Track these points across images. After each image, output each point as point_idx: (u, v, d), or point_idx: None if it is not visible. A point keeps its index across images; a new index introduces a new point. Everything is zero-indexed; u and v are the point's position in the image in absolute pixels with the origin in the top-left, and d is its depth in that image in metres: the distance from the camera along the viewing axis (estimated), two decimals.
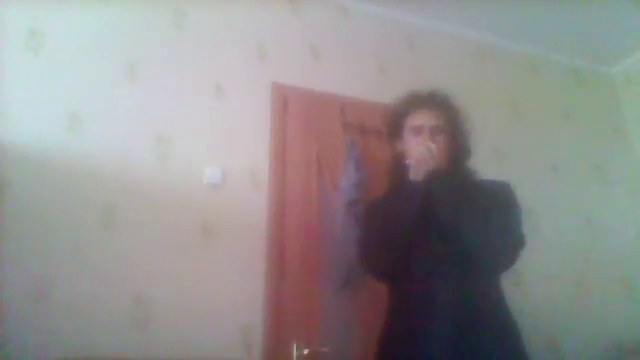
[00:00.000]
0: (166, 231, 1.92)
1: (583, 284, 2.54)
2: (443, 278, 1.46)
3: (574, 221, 2.69)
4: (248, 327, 1.89)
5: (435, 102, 1.66)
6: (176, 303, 1.84)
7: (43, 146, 1.87)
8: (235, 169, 2.10)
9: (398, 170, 1.67)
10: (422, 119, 1.62)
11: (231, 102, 2.20)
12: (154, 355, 1.74)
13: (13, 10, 1.99)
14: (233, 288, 1.92)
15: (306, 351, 1.74)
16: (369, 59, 2.56)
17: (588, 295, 2.53)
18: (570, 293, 2.50)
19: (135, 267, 1.84)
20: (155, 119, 2.06)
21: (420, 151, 1.54)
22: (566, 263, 2.55)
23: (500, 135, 2.70)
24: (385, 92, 2.46)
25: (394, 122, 1.72)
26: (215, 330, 1.85)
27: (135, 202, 1.91)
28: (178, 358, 1.77)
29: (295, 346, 1.75)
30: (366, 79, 2.52)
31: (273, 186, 2.10)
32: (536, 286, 2.38)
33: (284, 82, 2.29)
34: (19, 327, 1.64)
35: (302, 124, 2.22)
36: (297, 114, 2.23)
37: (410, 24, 2.75)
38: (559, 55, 3.08)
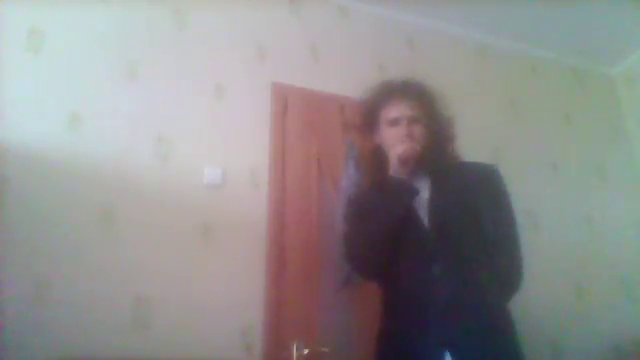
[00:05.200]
0: (166, 231, 1.92)
1: (582, 284, 2.54)
2: (435, 276, 1.42)
3: (574, 221, 2.69)
4: (248, 327, 1.89)
5: (409, 92, 1.63)
6: (176, 303, 1.84)
7: (43, 146, 1.87)
8: (235, 169, 2.10)
9: (379, 164, 1.63)
10: (398, 110, 1.59)
11: (231, 102, 2.20)
12: (154, 355, 1.74)
13: (13, 10, 1.99)
14: (233, 288, 1.93)
15: (306, 351, 1.74)
16: (369, 59, 2.56)
17: (587, 295, 2.53)
18: (569, 293, 2.50)
19: (135, 267, 1.84)
20: (155, 119, 2.06)
21: (403, 149, 1.50)
22: (566, 263, 2.55)
23: (500, 135, 2.70)
24: None
25: (369, 115, 1.69)
26: (215, 330, 1.85)
27: (135, 202, 1.91)
28: (178, 358, 1.77)
29: (295, 346, 1.75)
30: (366, 79, 2.48)
31: (273, 186, 2.10)
32: (536, 286, 2.37)
33: (284, 82, 2.29)
34: (19, 327, 1.64)
35: (302, 124, 2.22)
36: (297, 114, 2.23)
37: (410, 24, 2.75)
38: (559, 55, 3.08)
